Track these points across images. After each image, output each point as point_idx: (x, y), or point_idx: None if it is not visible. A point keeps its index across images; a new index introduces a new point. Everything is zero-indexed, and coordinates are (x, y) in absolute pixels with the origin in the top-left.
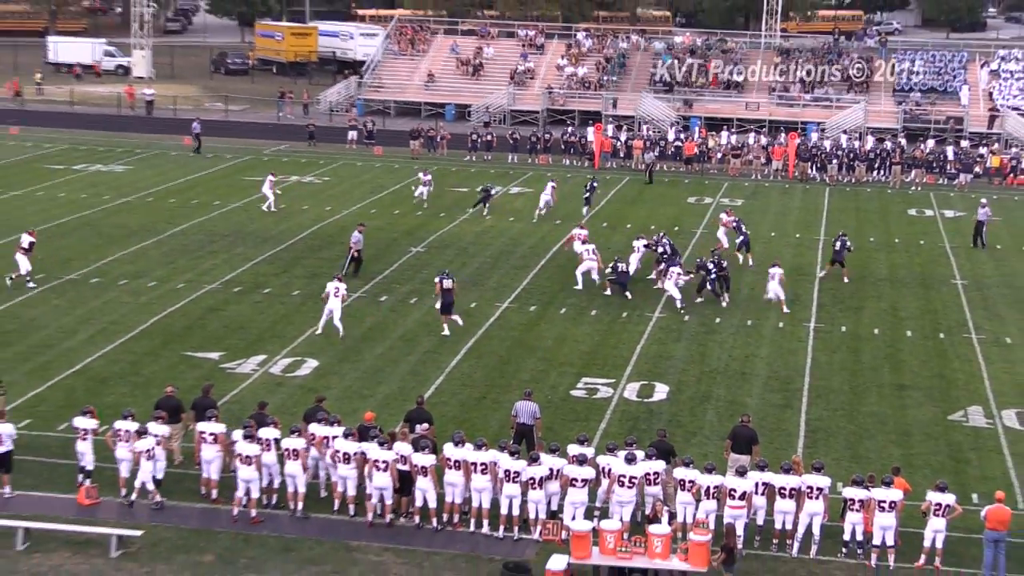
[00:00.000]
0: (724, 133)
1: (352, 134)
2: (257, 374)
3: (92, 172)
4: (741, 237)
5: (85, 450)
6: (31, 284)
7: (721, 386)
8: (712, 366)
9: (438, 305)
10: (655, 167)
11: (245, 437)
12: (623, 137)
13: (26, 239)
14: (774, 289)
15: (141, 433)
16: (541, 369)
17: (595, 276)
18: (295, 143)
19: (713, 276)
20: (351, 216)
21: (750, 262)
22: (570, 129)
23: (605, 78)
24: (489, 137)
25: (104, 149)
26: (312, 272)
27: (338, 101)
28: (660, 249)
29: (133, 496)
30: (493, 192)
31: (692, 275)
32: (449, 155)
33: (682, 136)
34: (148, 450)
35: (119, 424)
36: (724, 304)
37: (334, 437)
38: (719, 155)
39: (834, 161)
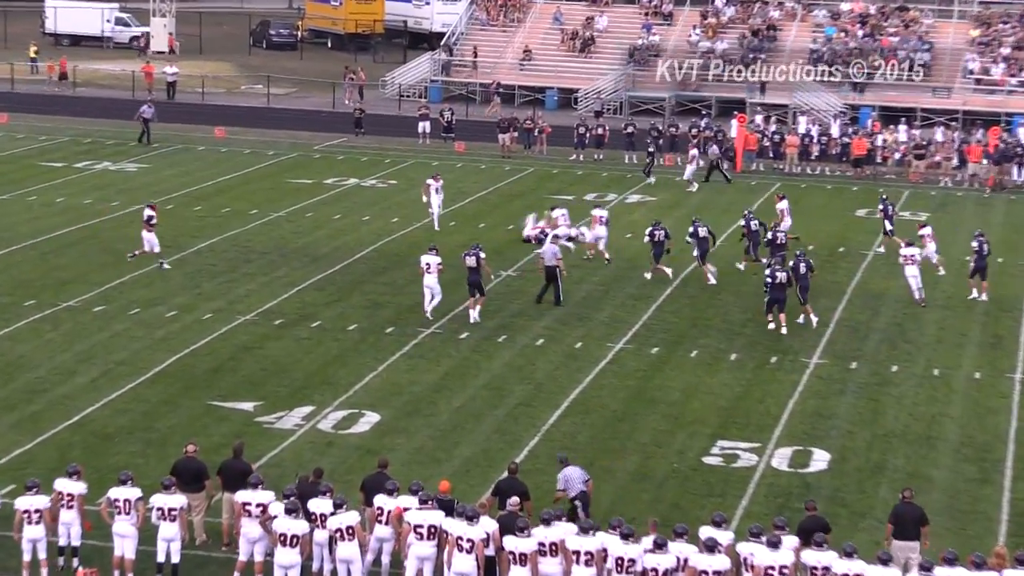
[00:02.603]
0: (903, 127)
1: (424, 125)
2: (302, 430)
3: (98, 171)
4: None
5: (70, 521)
6: (165, 265)
7: (899, 454)
8: (887, 428)
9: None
10: (720, 164)
11: (288, 511)
12: (772, 131)
13: (147, 213)
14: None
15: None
16: (665, 429)
17: (602, 247)
18: (352, 136)
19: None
20: (423, 230)
21: (941, 271)
22: (704, 121)
23: (751, 55)
24: (600, 130)
25: (114, 143)
26: (373, 301)
27: (411, 84)
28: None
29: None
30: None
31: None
32: (550, 153)
33: (849, 131)
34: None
35: (115, 492)
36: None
37: (406, 509)
38: (897, 155)
39: None
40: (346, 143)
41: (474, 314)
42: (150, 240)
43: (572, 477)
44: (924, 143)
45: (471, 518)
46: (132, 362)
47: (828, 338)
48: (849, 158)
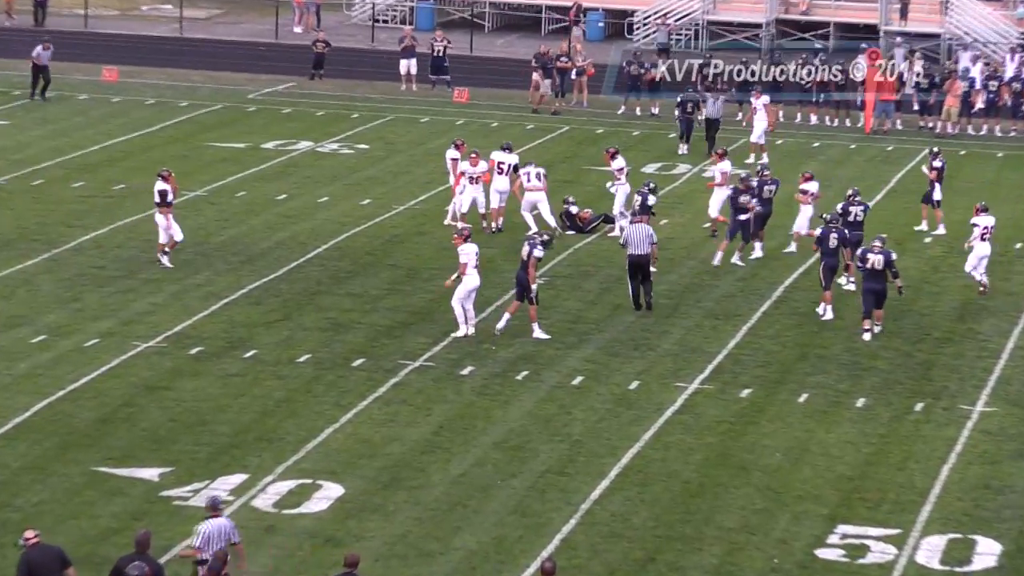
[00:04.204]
0: None
1: (408, 64)
2: (230, 509)
3: None
4: None
5: None
6: (165, 262)
7: None
8: None
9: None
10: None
11: None
12: (917, 75)
13: (159, 187)
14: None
15: None
16: (760, 508)
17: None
18: (303, 79)
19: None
20: (408, 216)
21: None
22: (818, 60)
23: None
24: (654, 71)
25: None
26: (334, 321)
27: (389, 3)
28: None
29: None
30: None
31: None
32: (592, 103)
33: None
34: None
35: None
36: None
37: None
38: None
39: None
40: (295, 89)
41: (537, 329)
42: (168, 226)
43: (213, 535)
44: None
45: None
46: None
47: (999, 376)
48: None
